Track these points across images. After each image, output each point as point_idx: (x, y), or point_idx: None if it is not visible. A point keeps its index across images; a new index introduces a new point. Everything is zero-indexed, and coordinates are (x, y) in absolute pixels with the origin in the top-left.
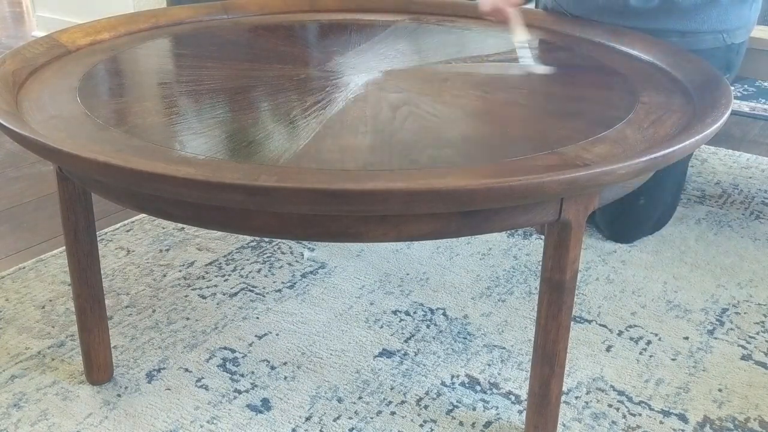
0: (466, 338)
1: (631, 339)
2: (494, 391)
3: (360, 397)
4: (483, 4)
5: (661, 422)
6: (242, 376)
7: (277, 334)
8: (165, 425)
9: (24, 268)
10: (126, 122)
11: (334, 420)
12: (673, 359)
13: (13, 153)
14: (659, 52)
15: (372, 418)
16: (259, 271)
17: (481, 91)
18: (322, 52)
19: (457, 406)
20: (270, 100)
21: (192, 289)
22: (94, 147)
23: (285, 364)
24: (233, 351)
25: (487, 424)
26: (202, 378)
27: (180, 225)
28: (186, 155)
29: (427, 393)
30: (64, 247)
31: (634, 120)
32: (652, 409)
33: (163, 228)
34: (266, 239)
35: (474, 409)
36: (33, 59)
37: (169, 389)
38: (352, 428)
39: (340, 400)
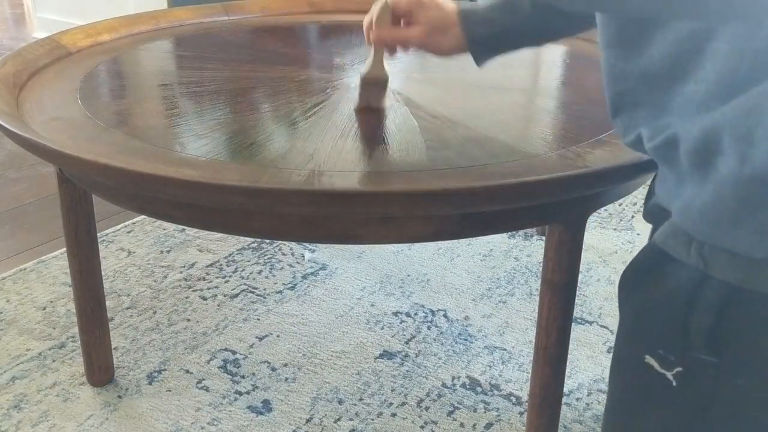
0: (466, 340)
1: None
2: (495, 392)
3: (361, 399)
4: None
5: None
6: (243, 377)
7: (277, 336)
8: (166, 427)
9: (25, 269)
10: (127, 124)
11: (335, 421)
12: None
13: (13, 154)
14: None
15: (373, 419)
16: (259, 272)
17: (482, 92)
18: (323, 53)
19: (458, 408)
20: (271, 101)
21: (193, 291)
22: (94, 149)
23: (286, 365)
24: (234, 352)
25: (488, 425)
26: (203, 379)
27: (181, 226)
28: (187, 157)
29: (428, 394)
30: (65, 249)
31: None
32: None
33: (164, 229)
34: (267, 241)
35: (475, 410)
36: (34, 61)
37: (169, 391)
38: (353, 429)
39: (340, 402)
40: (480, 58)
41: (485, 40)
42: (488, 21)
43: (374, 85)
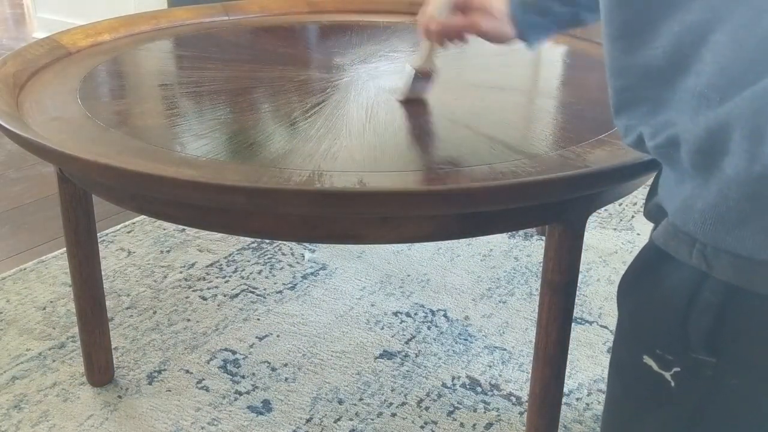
0: (467, 339)
1: None
2: (495, 392)
3: (361, 399)
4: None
5: None
6: (243, 377)
7: (277, 336)
8: (165, 427)
9: (25, 269)
10: (127, 124)
11: (335, 421)
12: None
13: (13, 154)
14: None
15: (373, 419)
16: (259, 272)
17: (482, 92)
18: (323, 53)
19: (458, 408)
20: (271, 101)
21: (193, 291)
22: (94, 149)
23: (286, 365)
24: (234, 352)
25: (488, 425)
26: (203, 379)
27: (181, 226)
28: (187, 157)
29: (427, 394)
30: (64, 249)
31: None
32: None
33: (164, 229)
34: (267, 240)
35: (475, 410)
36: (34, 61)
37: (169, 391)
38: (353, 430)
39: (340, 402)
40: (528, 35)
41: (528, 9)
42: None
43: (423, 77)
